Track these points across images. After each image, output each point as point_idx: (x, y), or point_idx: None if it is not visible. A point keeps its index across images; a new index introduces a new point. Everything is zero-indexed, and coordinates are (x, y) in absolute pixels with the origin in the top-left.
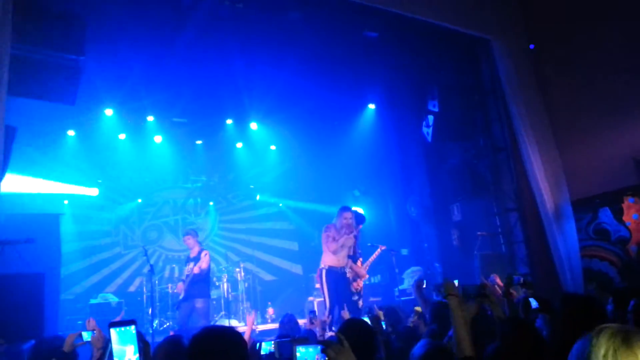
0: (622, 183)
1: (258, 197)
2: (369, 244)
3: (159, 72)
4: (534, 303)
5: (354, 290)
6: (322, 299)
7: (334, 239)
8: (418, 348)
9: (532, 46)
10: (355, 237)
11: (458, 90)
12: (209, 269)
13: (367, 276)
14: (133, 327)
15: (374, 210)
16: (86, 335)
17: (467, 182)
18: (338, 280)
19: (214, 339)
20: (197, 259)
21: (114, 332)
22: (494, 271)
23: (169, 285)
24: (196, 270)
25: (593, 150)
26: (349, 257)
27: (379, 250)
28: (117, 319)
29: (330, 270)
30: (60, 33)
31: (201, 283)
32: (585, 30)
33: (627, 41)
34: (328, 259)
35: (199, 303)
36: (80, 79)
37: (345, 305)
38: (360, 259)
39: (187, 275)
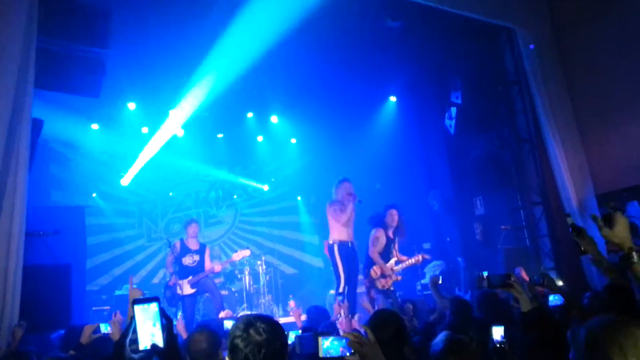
0: None
1: (266, 188)
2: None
3: (180, 66)
4: (556, 299)
5: (380, 286)
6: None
7: (342, 211)
8: (437, 341)
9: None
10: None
11: (481, 81)
12: None
13: (393, 278)
14: (156, 304)
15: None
16: (104, 328)
17: (490, 175)
18: (349, 254)
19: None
20: (201, 252)
21: (138, 309)
22: (518, 265)
23: (190, 277)
24: (218, 268)
25: (620, 142)
26: (382, 255)
27: (418, 258)
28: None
29: (342, 245)
30: (85, 26)
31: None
32: (610, 20)
33: None
34: (337, 234)
35: (214, 295)
36: (105, 72)
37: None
38: (395, 258)
39: (192, 268)
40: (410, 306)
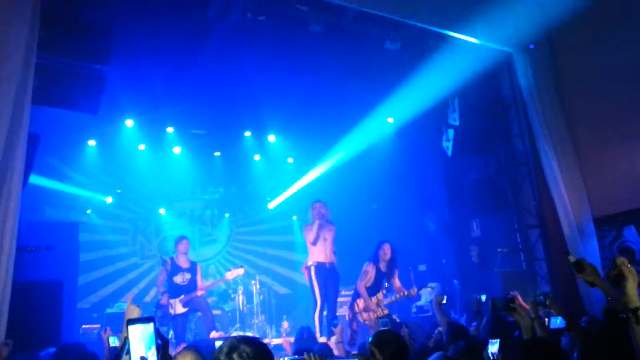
0: None
1: (270, 206)
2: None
3: (179, 84)
4: (558, 321)
5: (362, 320)
6: (338, 312)
7: (309, 230)
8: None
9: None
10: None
11: (479, 104)
12: None
13: (379, 312)
14: (151, 324)
15: (392, 225)
16: (112, 341)
17: (487, 197)
18: (327, 276)
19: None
20: (192, 271)
21: (132, 330)
22: (514, 289)
23: (182, 295)
24: (207, 285)
25: (617, 166)
26: (370, 288)
27: (413, 291)
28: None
29: (318, 267)
30: (86, 43)
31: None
32: (607, 44)
33: None
34: (314, 255)
35: (205, 314)
36: (104, 88)
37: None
38: (383, 291)
39: (183, 287)
40: (406, 330)
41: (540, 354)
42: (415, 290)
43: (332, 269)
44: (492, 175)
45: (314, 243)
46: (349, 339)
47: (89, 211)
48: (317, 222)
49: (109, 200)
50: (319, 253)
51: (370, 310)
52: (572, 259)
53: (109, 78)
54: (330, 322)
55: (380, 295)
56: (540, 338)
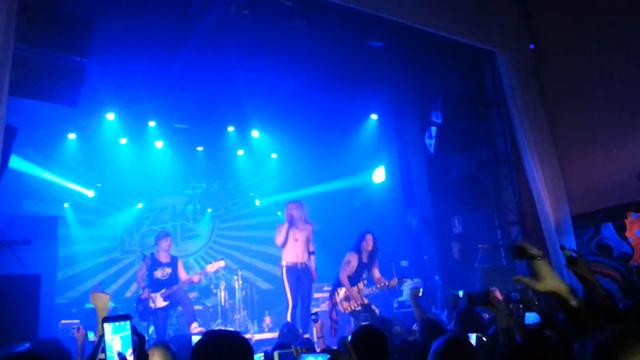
0: (625, 198)
1: (258, 203)
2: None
3: (161, 78)
4: (533, 317)
5: (342, 309)
6: (319, 309)
7: (278, 231)
8: (437, 342)
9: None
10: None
11: (462, 101)
12: None
13: (358, 301)
14: (128, 322)
15: (375, 221)
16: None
17: (468, 195)
18: (300, 276)
19: (222, 342)
20: (173, 265)
21: (108, 327)
22: (494, 284)
23: (163, 289)
24: (196, 279)
25: (596, 164)
26: (352, 278)
27: (393, 282)
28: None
29: (290, 268)
30: (65, 35)
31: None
32: (589, 43)
33: (632, 54)
34: (285, 255)
35: (186, 307)
36: (84, 81)
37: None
38: (364, 282)
39: (164, 281)
40: (399, 329)
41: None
42: (396, 280)
43: (304, 269)
44: (473, 172)
45: (282, 245)
46: (329, 329)
47: (66, 205)
48: (285, 225)
49: (90, 194)
50: (290, 253)
51: (352, 300)
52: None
53: (89, 70)
54: (306, 320)
55: (361, 285)
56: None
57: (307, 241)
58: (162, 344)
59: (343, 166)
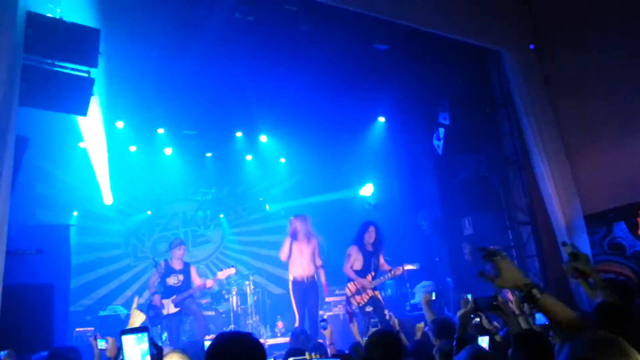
0: (637, 197)
1: (268, 208)
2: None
3: (169, 85)
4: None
5: (355, 303)
6: (331, 312)
7: (282, 246)
8: (460, 356)
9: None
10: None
11: (469, 102)
12: None
13: (370, 294)
14: (145, 334)
15: (385, 223)
16: (101, 344)
17: (478, 195)
18: (306, 291)
19: (236, 343)
20: (186, 272)
21: (126, 340)
22: None
23: (174, 295)
24: (209, 283)
25: (606, 163)
26: (361, 270)
27: (398, 270)
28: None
29: (296, 282)
30: (73, 44)
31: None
32: (596, 41)
33: (639, 49)
34: (291, 268)
35: (198, 319)
36: (92, 90)
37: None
38: (372, 273)
39: (176, 288)
40: (397, 321)
41: (525, 346)
42: (401, 269)
43: (311, 283)
44: (483, 173)
45: (287, 259)
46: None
47: (75, 213)
48: (287, 238)
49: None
50: (297, 267)
51: (362, 292)
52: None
53: (98, 79)
54: (314, 332)
55: (369, 277)
56: (526, 331)
57: (313, 254)
58: (179, 350)
59: (351, 170)
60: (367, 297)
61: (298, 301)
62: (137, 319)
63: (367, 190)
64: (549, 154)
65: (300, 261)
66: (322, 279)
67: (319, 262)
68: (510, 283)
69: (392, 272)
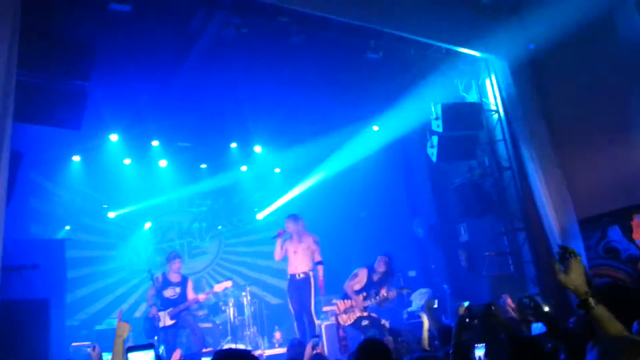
0: (630, 200)
1: (259, 217)
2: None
3: (163, 98)
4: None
5: (342, 322)
6: (328, 322)
7: (275, 246)
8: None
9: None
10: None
11: (462, 109)
12: None
13: (357, 314)
14: (152, 351)
15: (380, 232)
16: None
17: (473, 202)
18: (297, 287)
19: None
20: (183, 285)
21: (132, 357)
22: (504, 292)
23: (171, 308)
24: (202, 298)
25: (600, 167)
26: (358, 292)
27: (392, 294)
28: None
29: (289, 279)
30: (67, 59)
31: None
32: (588, 46)
33: (633, 54)
34: (288, 267)
35: (195, 333)
36: (86, 104)
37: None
38: (364, 294)
39: (173, 300)
40: (390, 338)
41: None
42: (394, 292)
43: (303, 280)
44: (477, 180)
45: (279, 259)
46: (338, 349)
47: (67, 227)
48: (278, 240)
49: (111, 215)
50: (290, 266)
51: (351, 311)
52: (555, 262)
53: (91, 93)
54: (312, 331)
55: (360, 297)
56: (521, 337)
57: (309, 252)
58: None
59: (347, 177)
60: (355, 317)
61: (291, 298)
62: (124, 331)
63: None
64: (542, 160)
65: (293, 259)
66: (320, 274)
67: (318, 258)
68: (572, 284)
69: (385, 296)
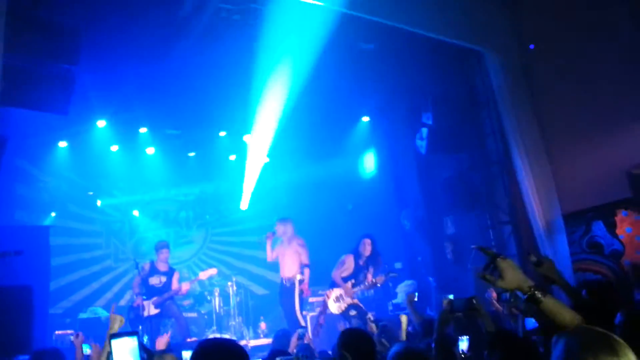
0: (615, 196)
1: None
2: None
3: (152, 84)
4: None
5: (334, 310)
6: (314, 313)
7: (266, 248)
8: (393, 349)
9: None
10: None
11: (452, 102)
12: None
13: (347, 302)
14: (135, 338)
15: (368, 223)
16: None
17: (460, 195)
18: (283, 294)
19: (217, 351)
20: (169, 274)
21: (115, 344)
22: (489, 286)
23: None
24: (185, 287)
25: (586, 163)
26: (346, 278)
27: (379, 279)
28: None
29: (280, 284)
30: (54, 42)
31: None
32: (578, 42)
33: (621, 52)
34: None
35: (179, 322)
36: (74, 88)
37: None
38: (352, 281)
39: (158, 289)
40: (374, 326)
41: (500, 347)
42: (382, 278)
43: (289, 288)
44: (465, 173)
45: (270, 260)
46: (313, 330)
47: (53, 214)
48: (268, 242)
49: (99, 203)
50: (280, 269)
51: (342, 301)
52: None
53: (79, 78)
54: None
55: (349, 284)
56: (500, 331)
57: (296, 256)
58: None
59: (334, 168)
60: (345, 306)
61: (280, 301)
62: (116, 323)
63: (369, 162)
64: (529, 154)
65: (283, 263)
66: (306, 277)
67: (304, 262)
68: (513, 285)
69: (374, 281)
